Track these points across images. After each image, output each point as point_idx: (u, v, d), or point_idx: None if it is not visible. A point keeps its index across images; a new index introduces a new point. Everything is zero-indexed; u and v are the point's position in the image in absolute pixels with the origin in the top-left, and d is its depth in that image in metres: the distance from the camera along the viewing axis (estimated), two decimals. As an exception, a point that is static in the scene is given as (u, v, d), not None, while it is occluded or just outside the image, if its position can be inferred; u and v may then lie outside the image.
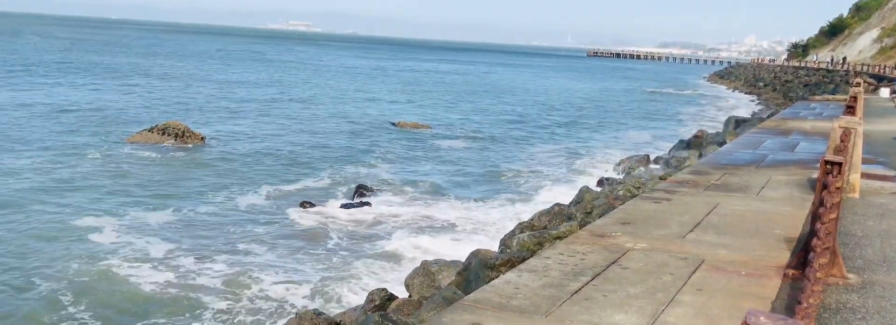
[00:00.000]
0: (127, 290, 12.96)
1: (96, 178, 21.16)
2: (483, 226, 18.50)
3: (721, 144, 23.07)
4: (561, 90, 78.28)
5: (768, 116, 33.94)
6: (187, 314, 12.12)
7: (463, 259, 12.06)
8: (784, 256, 7.85)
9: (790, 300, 6.37)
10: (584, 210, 14.11)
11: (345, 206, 19.54)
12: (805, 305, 3.82)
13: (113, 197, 19.19)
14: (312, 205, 19.52)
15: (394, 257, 15.58)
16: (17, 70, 56.21)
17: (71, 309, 11.97)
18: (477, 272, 10.36)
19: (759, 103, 62.07)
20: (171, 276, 13.80)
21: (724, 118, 41.09)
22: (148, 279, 13.53)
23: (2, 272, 13.32)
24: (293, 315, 11.06)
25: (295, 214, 18.68)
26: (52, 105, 36.58)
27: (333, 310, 12.11)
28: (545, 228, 13.27)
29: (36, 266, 13.72)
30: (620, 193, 15.49)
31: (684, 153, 24.32)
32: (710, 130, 34.18)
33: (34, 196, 18.67)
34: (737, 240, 8.57)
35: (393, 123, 37.86)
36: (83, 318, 11.72)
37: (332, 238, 16.78)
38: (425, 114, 44.59)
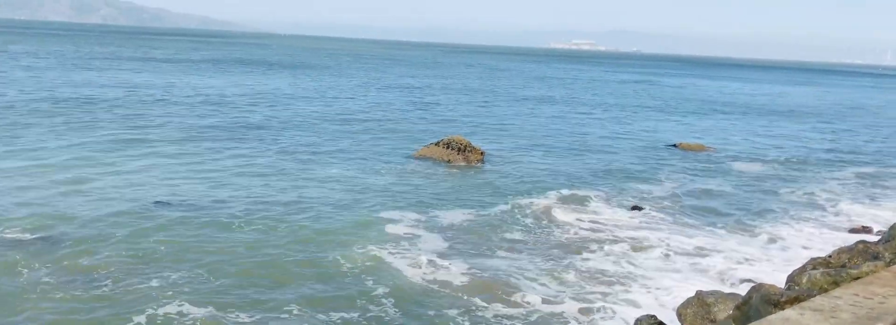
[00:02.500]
0: (408, 281, 14.19)
1: (390, 184, 23.32)
2: (766, 258, 17.05)
3: None
4: (872, 113, 69.32)
5: None
6: (454, 310, 12.92)
7: (741, 292, 11.24)
8: None
9: None
10: None
11: (618, 226, 19.27)
12: None
13: (403, 202, 21.01)
14: (585, 222, 19.54)
15: (664, 283, 15.01)
16: (332, 86, 64.17)
17: (373, 291, 13.40)
18: (758, 308, 9.57)
19: None
20: (445, 274, 14.90)
21: None
22: (424, 274, 14.70)
23: (313, 254, 15.34)
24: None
25: (566, 229, 18.87)
26: (358, 117, 41.08)
27: (599, 330, 12.02)
28: (843, 266, 11.84)
29: (339, 252, 15.60)
30: (944, 233, 13.27)
31: None
32: None
33: (339, 197, 21.13)
34: None
35: (674, 145, 36.49)
36: (379, 297, 13.14)
37: (600, 256, 16.65)
38: (709, 135, 42.31)
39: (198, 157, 26.24)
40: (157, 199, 19.64)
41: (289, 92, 56.42)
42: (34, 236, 15.70)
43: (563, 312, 13.29)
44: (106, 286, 13.27)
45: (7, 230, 15.96)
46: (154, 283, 13.52)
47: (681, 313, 11.55)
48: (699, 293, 11.64)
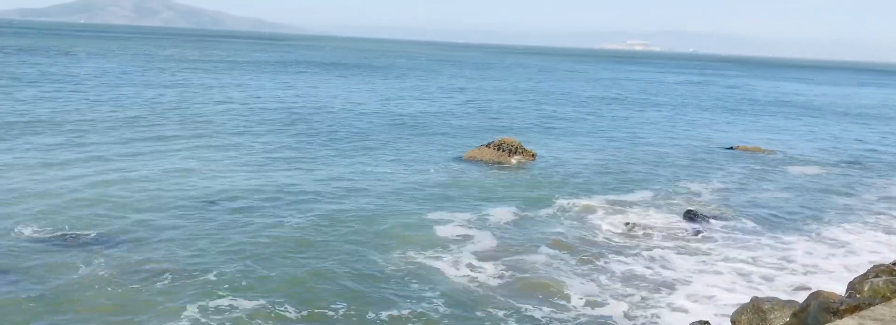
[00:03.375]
0: (454, 281, 14.15)
1: (440, 185, 23.35)
2: (825, 264, 16.52)
3: None
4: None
5: None
6: (500, 312, 12.84)
7: (798, 300, 10.92)
8: None
9: None
10: (963, 258, 11.82)
11: (671, 230, 18.91)
12: None
13: (451, 202, 21.04)
14: (634, 225, 19.23)
15: (716, 288, 14.67)
16: (386, 87, 64.66)
17: (420, 290, 13.43)
18: (816, 315, 9.29)
19: None
20: (490, 274, 14.87)
21: None
22: (470, 274, 14.62)
23: (362, 252, 15.46)
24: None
25: (614, 232, 18.60)
26: (411, 117, 41.31)
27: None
28: (908, 274, 11.40)
29: (387, 250, 15.68)
30: None
31: None
32: None
33: (389, 196, 21.25)
34: None
35: (730, 147, 35.66)
36: (425, 295, 13.08)
37: (651, 260, 16.36)
38: (768, 137, 41.22)
39: (251, 154, 26.73)
40: (211, 195, 20.12)
41: (344, 92, 57.11)
42: (91, 232, 16.21)
43: (608, 315, 13.11)
44: (162, 280, 13.63)
45: (65, 226, 16.52)
46: (211, 277, 13.86)
47: (735, 320, 11.28)
48: (755, 300, 11.35)
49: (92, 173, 22.15)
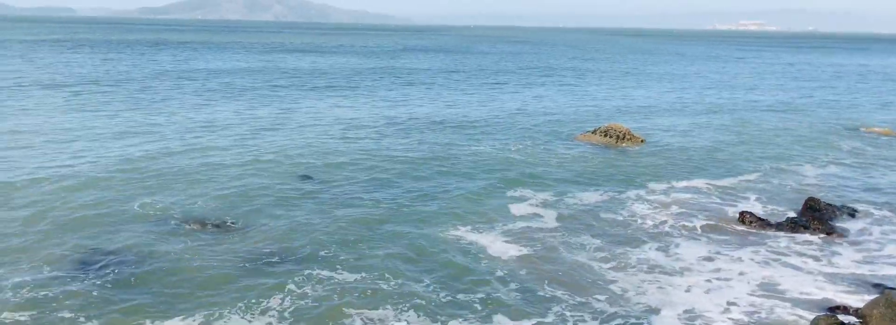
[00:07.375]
0: (527, 262, 13.90)
1: (536, 167, 22.95)
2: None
3: None
4: None
5: None
6: (582, 295, 12.51)
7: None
8: None
9: None
10: None
11: (788, 221, 17.76)
12: None
13: (542, 183, 20.87)
14: (749, 214, 18.18)
15: (842, 282, 13.74)
16: (492, 69, 64.56)
17: (492, 271, 13.33)
18: (960, 311, 8.54)
19: None
20: (576, 256, 14.66)
21: None
22: (544, 256, 14.33)
23: (439, 229, 15.44)
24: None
25: (708, 221, 17.64)
26: (516, 102, 40.97)
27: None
28: None
29: (462, 228, 15.58)
30: None
31: None
32: None
33: (481, 177, 21.04)
34: None
35: (855, 129, 33.35)
36: (495, 278, 12.90)
37: (767, 253, 15.49)
38: (898, 119, 38.28)
39: (356, 132, 27.20)
40: (320, 174, 20.85)
41: (450, 71, 57.48)
42: (205, 215, 16.87)
43: (718, 312, 12.48)
44: (262, 257, 14.16)
45: (171, 207, 17.23)
46: (308, 253, 14.47)
47: (865, 314, 10.59)
48: (888, 294, 10.61)
49: (201, 158, 23.08)
